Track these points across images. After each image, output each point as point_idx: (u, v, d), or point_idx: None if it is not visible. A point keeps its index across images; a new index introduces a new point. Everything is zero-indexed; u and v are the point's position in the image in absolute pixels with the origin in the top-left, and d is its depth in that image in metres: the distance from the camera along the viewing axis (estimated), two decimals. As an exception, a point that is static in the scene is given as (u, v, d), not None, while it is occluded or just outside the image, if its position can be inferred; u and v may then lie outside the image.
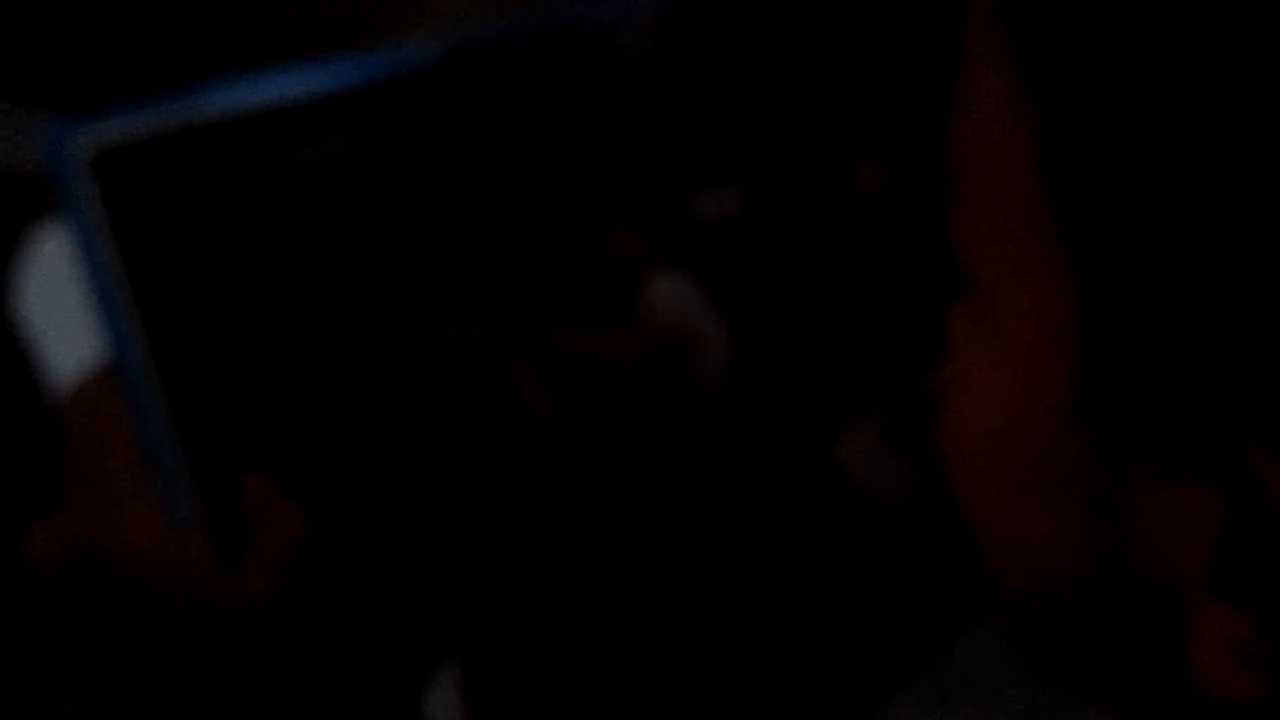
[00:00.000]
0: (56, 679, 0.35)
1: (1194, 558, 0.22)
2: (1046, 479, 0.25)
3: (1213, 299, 0.19)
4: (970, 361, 0.27)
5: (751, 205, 0.50)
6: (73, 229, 0.32)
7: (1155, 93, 0.20)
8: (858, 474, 0.53)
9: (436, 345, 0.45)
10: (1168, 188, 0.20)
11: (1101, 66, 0.20)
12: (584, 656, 0.51)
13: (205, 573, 0.34)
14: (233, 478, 0.36)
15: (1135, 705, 0.27)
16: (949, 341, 0.28)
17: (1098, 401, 0.22)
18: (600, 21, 0.46)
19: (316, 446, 0.39)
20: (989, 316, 0.25)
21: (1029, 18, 0.22)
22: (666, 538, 0.49)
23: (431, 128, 0.45)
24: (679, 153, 0.49)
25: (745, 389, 0.51)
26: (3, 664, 0.64)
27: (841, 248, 0.50)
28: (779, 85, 0.48)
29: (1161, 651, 0.23)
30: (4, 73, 0.90)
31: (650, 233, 0.50)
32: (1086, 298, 0.22)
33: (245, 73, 0.37)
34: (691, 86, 0.48)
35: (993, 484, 0.27)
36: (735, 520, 0.51)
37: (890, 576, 0.53)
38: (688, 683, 0.51)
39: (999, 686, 0.42)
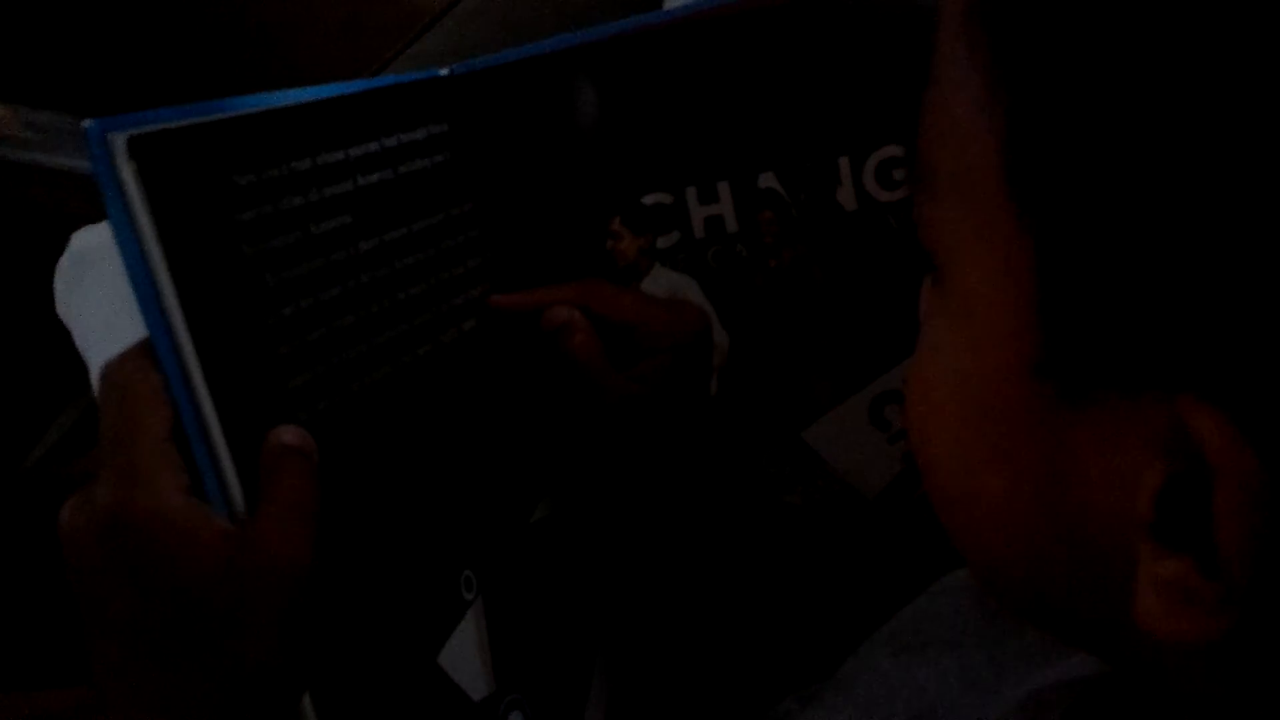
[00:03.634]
0: (87, 647, 0.35)
1: (1140, 509, 0.24)
2: (999, 436, 0.27)
3: (1156, 266, 0.22)
4: (932, 331, 0.29)
5: (741, 207, 0.51)
6: (114, 218, 0.34)
7: (1115, 84, 0.22)
8: (839, 461, 0.53)
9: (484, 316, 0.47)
10: (1122, 173, 0.22)
11: (1069, 69, 0.23)
12: (603, 604, 0.51)
13: (230, 538, 0.35)
14: (259, 439, 0.37)
15: (1101, 648, 0.29)
16: (920, 318, 0.30)
17: (1058, 356, 0.25)
18: (593, 40, 0.48)
19: (347, 406, 0.40)
20: (949, 289, 0.28)
21: (1005, 18, 0.25)
22: (670, 504, 0.50)
23: (446, 132, 0.47)
24: (675, 155, 0.50)
25: (738, 377, 0.52)
26: (34, 632, 0.64)
27: (828, 243, 0.51)
28: (767, 94, 0.49)
29: (1113, 599, 0.25)
30: (57, 82, 0.93)
31: (646, 232, 0.51)
32: (1045, 267, 0.24)
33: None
34: (689, 96, 0.49)
35: (949, 444, 0.29)
36: (719, 503, 0.52)
37: (870, 562, 0.53)
38: (680, 626, 0.52)
39: (959, 639, 0.43)
